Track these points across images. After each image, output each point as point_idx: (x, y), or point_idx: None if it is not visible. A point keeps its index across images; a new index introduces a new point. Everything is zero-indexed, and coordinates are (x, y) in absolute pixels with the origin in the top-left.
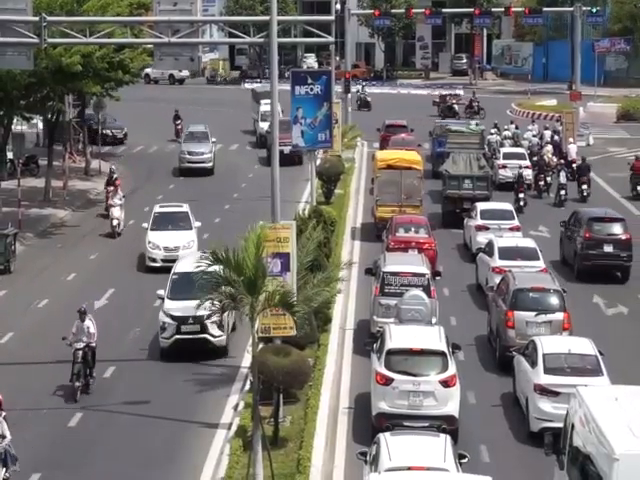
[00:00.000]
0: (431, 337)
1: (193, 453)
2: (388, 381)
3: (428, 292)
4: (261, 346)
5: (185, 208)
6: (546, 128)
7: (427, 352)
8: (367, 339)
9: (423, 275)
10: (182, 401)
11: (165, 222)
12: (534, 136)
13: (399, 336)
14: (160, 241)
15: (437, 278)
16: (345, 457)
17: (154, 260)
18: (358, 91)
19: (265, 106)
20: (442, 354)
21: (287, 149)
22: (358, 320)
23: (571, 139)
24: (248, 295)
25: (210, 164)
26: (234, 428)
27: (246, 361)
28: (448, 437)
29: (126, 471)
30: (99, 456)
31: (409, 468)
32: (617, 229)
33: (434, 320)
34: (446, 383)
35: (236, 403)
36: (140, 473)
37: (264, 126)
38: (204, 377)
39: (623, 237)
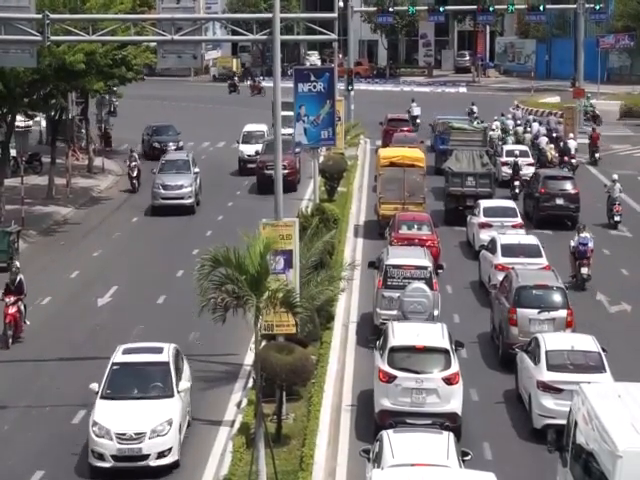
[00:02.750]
0: (434, 334)
1: (196, 450)
2: (391, 378)
3: (430, 285)
4: (264, 343)
5: (165, 354)
6: (535, 120)
7: (430, 349)
8: (370, 336)
9: (425, 268)
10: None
11: (128, 382)
12: (517, 125)
13: (402, 333)
14: (113, 422)
15: (440, 271)
16: (348, 454)
17: (101, 457)
18: (584, 105)
19: (250, 126)
20: (445, 351)
21: None
22: (361, 315)
23: (571, 134)
24: (252, 294)
25: (190, 200)
26: (237, 425)
27: (249, 358)
28: (451, 434)
29: None
30: None
31: (412, 465)
32: (568, 185)
33: (436, 312)
34: (449, 380)
35: (239, 400)
36: None
37: (245, 150)
38: (207, 374)
39: (572, 192)
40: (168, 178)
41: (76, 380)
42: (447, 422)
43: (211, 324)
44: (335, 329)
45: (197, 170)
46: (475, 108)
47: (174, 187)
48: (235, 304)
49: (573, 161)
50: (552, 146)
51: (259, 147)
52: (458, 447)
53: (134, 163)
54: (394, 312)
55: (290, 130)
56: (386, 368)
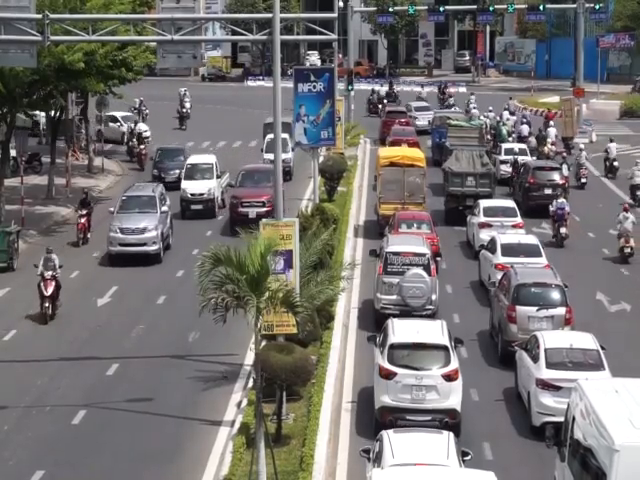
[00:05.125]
0: (434, 331)
1: (196, 450)
2: (391, 375)
3: (428, 271)
4: (264, 343)
5: None
6: (505, 109)
7: (430, 346)
8: (370, 334)
9: (424, 255)
10: (185, 398)
11: None
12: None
13: (402, 330)
14: None
15: (438, 259)
16: (348, 454)
17: None
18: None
19: (195, 157)
20: (444, 348)
21: (254, 212)
22: (360, 315)
23: (551, 122)
24: (252, 294)
25: (155, 247)
26: (237, 425)
27: (249, 359)
28: (451, 434)
29: (129, 468)
30: (102, 453)
31: (412, 465)
32: (555, 176)
33: (434, 297)
34: (449, 377)
35: (239, 400)
36: (143, 470)
37: (189, 187)
38: (207, 374)
39: (560, 182)
40: (128, 219)
41: (76, 380)
42: (447, 418)
43: (211, 324)
44: (335, 329)
45: (166, 208)
46: (473, 98)
47: (135, 230)
48: (235, 304)
49: (553, 147)
50: (550, 140)
51: (207, 184)
52: (458, 447)
53: (49, 272)
54: (394, 297)
55: (284, 155)
56: (386, 365)
